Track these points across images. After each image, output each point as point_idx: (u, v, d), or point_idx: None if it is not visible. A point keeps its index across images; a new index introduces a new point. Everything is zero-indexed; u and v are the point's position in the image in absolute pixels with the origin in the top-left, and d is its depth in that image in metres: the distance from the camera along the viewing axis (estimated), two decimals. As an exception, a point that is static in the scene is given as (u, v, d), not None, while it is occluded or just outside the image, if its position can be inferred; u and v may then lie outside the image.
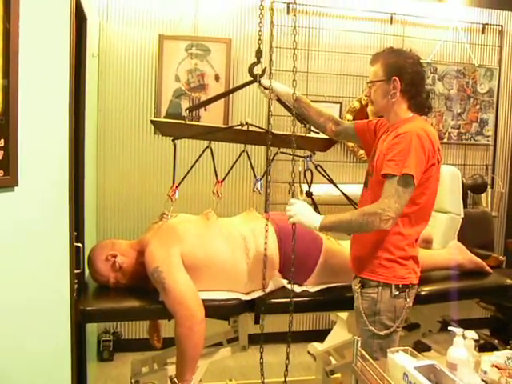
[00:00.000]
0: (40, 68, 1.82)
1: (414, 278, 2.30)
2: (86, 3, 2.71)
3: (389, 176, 2.13)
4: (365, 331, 2.30)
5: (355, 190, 2.92)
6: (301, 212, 2.29)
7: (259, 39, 2.51)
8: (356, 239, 2.39)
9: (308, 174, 2.84)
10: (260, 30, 2.49)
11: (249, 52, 2.65)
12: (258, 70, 2.64)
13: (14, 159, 1.62)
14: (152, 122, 3.00)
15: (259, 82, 2.62)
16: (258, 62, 2.67)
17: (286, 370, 2.46)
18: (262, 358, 2.43)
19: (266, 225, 2.46)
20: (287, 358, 2.46)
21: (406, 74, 2.25)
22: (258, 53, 2.64)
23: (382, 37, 4.27)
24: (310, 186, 2.94)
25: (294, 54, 2.39)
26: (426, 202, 2.26)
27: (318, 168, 2.84)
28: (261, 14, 2.54)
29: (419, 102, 2.30)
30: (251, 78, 2.67)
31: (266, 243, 2.47)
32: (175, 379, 2.40)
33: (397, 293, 2.25)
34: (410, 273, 2.27)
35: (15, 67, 1.59)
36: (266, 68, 2.61)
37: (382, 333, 2.26)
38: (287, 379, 2.54)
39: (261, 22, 2.50)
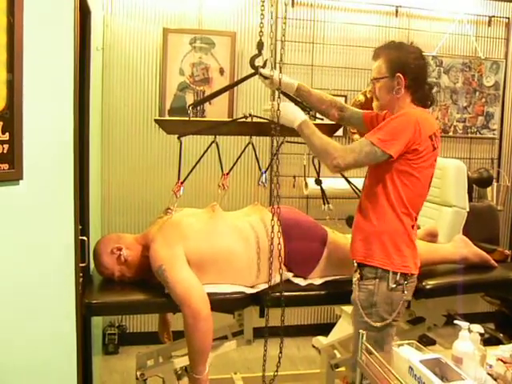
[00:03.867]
0: (45, 62, 1.82)
1: (413, 268, 2.29)
2: (90, -4, 2.71)
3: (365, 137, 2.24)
4: (360, 323, 2.30)
5: (360, 183, 2.92)
6: (283, 111, 2.36)
7: (260, 31, 2.51)
8: (356, 226, 2.40)
9: (316, 161, 2.86)
10: (261, 23, 2.48)
11: (253, 45, 2.64)
12: (259, 62, 2.64)
13: (19, 153, 1.61)
14: (156, 120, 2.99)
15: (259, 72, 2.61)
16: (260, 54, 2.66)
17: (279, 362, 2.48)
18: (265, 351, 2.44)
19: (272, 220, 2.46)
20: (280, 352, 2.47)
21: (409, 70, 2.27)
22: (260, 45, 2.64)
23: (387, 30, 4.25)
24: (318, 173, 2.94)
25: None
26: (416, 186, 2.26)
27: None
28: (262, 6, 2.52)
29: (422, 96, 2.33)
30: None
31: (273, 237, 2.47)
32: (190, 372, 2.45)
33: (394, 285, 2.25)
34: (408, 261, 2.27)
35: (20, 61, 1.59)
36: (267, 60, 2.60)
37: (378, 324, 2.27)
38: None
39: (262, 14, 2.49)
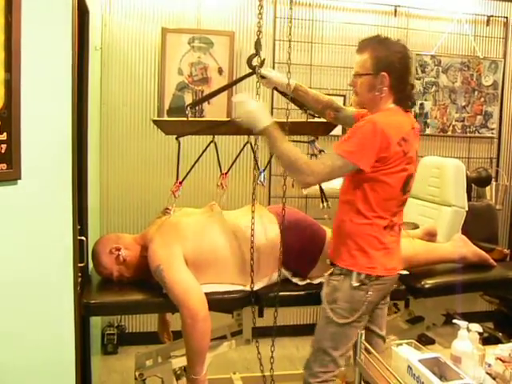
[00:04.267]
0: (43, 61, 1.81)
1: (381, 270, 2.23)
2: (88, -4, 2.71)
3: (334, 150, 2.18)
4: (323, 317, 2.31)
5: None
6: (251, 107, 2.26)
7: (258, 31, 2.50)
8: (334, 229, 2.39)
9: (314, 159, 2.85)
10: (259, 22, 2.48)
11: (252, 45, 2.64)
12: (256, 61, 2.64)
13: (17, 152, 1.61)
14: (154, 121, 2.98)
15: (257, 71, 2.61)
16: (257, 53, 2.66)
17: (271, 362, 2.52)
18: (258, 352, 2.45)
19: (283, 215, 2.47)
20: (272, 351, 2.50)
21: (394, 69, 2.22)
22: (257, 44, 2.64)
23: (385, 29, 4.24)
24: None
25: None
26: (386, 191, 2.20)
27: (322, 153, 2.85)
28: (260, 5, 2.52)
29: (405, 96, 2.29)
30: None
31: (281, 234, 2.47)
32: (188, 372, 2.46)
33: (357, 284, 2.21)
34: (375, 263, 2.22)
35: (17, 60, 1.58)
36: (264, 59, 2.60)
37: (339, 321, 2.24)
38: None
39: (260, 14, 2.49)
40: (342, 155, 2.13)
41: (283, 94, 2.68)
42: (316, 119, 2.78)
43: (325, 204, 2.89)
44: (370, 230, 2.23)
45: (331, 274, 2.31)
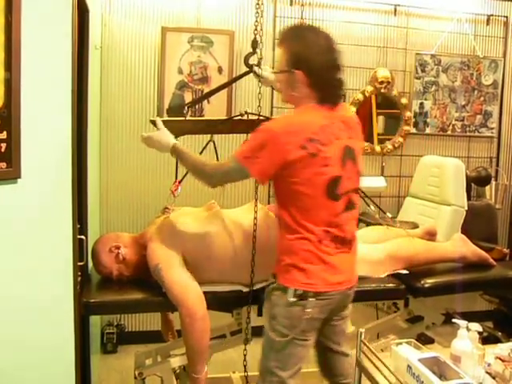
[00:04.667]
0: (43, 60, 1.81)
1: (322, 286, 2.04)
2: (88, -5, 2.71)
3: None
4: (265, 335, 2.15)
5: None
6: (154, 139, 2.41)
7: (255, 30, 2.50)
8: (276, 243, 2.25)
9: None
10: (257, 21, 2.48)
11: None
12: (254, 60, 2.65)
13: (17, 151, 1.61)
14: (152, 121, 2.97)
15: (253, 70, 2.61)
16: (254, 52, 2.66)
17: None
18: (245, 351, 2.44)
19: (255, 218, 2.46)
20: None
21: (311, 66, 2.01)
22: (254, 43, 2.64)
23: (385, 28, 4.25)
24: None
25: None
26: (306, 202, 2.04)
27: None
28: (257, 4, 2.52)
29: (328, 95, 2.07)
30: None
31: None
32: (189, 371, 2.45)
33: (293, 299, 2.03)
34: (313, 278, 2.03)
35: (17, 59, 1.59)
36: (261, 58, 2.60)
37: (278, 339, 2.07)
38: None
39: (257, 13, 2.49)
40: (237, 158, 2.07)
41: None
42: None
43: None
44: (303, 244, 2.04)
45: (271, 289, 2.15)
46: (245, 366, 2.59)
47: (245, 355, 2.59)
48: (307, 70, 2.02)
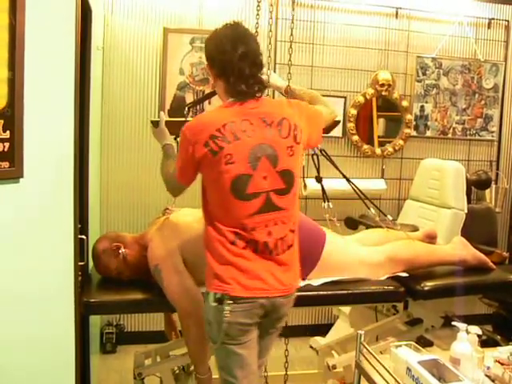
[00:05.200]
0: (46, 60, 1.82)
1: (236, 289, 1.96)
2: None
3: None
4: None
5: (358, 184, 2.94)
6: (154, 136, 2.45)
7: (256, 31, 2.51)
8: None
9: (315, 158, 2.86)
10: (257, 23, 2.48)
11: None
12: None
13: (20, 151, 1.62)
14: (152, 122, 2.97)
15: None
16: None
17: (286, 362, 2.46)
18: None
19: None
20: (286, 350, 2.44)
21: (214, 60, 2.04)
22: None
23: (387, 31, 4.26)
24: (318, 171, 2.94)
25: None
26: (214, 201, 2.02)
27: (323, 152, 2.87)
28: (258, 6, 2.53)
29: (236, 90, 2.02)
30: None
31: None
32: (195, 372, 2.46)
33: (214, 304, 1.98)
34: (227, 282, 1.96)
35: (21, 59, 1.59)
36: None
37: (212, 345, 2.06)
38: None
39: (258, 15, 2.49)
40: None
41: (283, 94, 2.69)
42: None
43: (326, 204, 2.90)
44: (217, 247, 1.99)
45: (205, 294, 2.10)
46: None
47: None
48: (215, 66, 2.04)
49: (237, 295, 1.95)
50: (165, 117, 2.51)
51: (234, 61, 1.98)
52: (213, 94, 2.87)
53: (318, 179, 2.98)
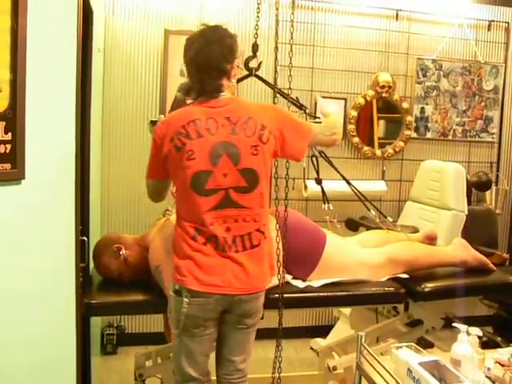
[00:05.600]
0: (47, 62, 1.82)
1: (192, 283, 2.03)
2: (92, -3, 2.72)
3: None
4: None
5: (359, 186, 2.95)
6: None
7: (255, 33, 2.52)
8: None
9: (315, 160, 2.88)
10: (257, 25, 2.49)
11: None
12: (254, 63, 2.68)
13: (21, 152, 1.62)
14: (151, 121, 2.97)
15: (255, 75, 2.63)
16: (254, 56, 2.68)
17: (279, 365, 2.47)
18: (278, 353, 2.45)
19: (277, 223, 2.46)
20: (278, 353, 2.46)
21: (187, 62, 2.15)
22: (254, 47, 2.66)
23: (387, 33, 4.26)
24: (318, 173, 2.95)
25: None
26: (179, 194, 2.11)
27: (322, 154, 2.88)
28: (258, 8, 2.54)
29: (201, 89, 2.13)
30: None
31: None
32: None
33: (173, 295, 2.08)
34: (184, 275, 2.04)
35: (23, 61, 1.59)
36: (261, 62, 2.62)
37: (172, 332, 2.15)
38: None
39: (257, 17, 2.50)
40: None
41: (283, 94, 2.70)
42: (317, 120, 2.78)
43: (326, 206, 2.91)
44: (179, 240, 2.09)
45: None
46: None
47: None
48: (186, 66, 2.15)
49: (192, 289, 2.03)
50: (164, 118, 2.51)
51: (198, 63, 2.10)
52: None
53: (318, 181, 2.99)
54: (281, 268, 2.41)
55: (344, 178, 2.95)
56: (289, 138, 2.17)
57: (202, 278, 2.03)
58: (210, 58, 2.08)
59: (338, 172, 2.92)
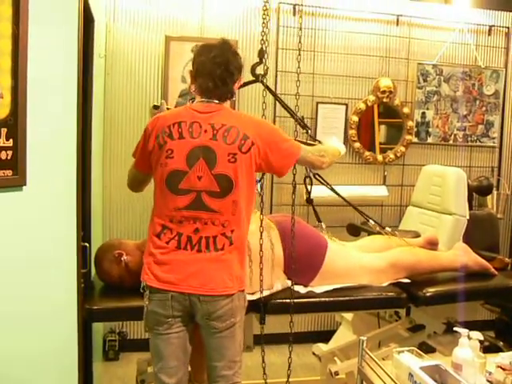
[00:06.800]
0: (48, 69, 1.83)
1: (152, 281, 2.08)
2: (93, 4, 2.73)
3: None
4: None
5: (360, 191, 2.96)
6: None
7: (262, 39, 2.53)
8: None
9: (308, 181, 2.89)
10: (263, 31, 2.50)
11: (255, 53, 2.68)
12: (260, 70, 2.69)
13: (23, 159, 1.63)
14: (155, 106, 2.98)
15: (261, 81, 2.64)
16: (261, 62, 2.69)
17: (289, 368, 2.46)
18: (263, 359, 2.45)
19: (261, 226, 2.47)
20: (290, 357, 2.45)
21: (194, 62, 2.24)
22: (261, 53, 2.67)
23: (388, 38, 4.27)
24: (309, 193, 2.97)
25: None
26: (156, 188, 2.16)
27: (317, 176, 2.90)
28: (264, 14, 2.54)
29: (201, 87, 2.21)
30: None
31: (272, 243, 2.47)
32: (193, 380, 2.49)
33: (142, 291, 2.14)
34: (147, 272, 2.11)
35: (24, 68, 1.60)
36: (268, 68, 2.63)
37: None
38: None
39: (264, 23, 2.51)
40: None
41: (285, 106, 2.71)
42: (312, 143, 2.76)
43: (319, 224, 2.93)
44: (149, 237, 2.15)
45: None
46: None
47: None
48: (193, 67, 2.23)
49: (151, 285, 2.09)
50: (165, 106, 2.60)
51: (206, 62, 2.16)
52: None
53: (309, 200, 3.02)
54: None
55: (342, 197, 2.98)
56: (275, 154, 2.18)
57: (159, 274, 2.08)
58: (229, 62, 2.18)
59: (335, 191, 2.93)
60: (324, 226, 2.93)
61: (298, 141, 2.40)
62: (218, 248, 2.09)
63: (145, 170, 2.25)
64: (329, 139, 2.55)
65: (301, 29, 2.60)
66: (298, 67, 2.55)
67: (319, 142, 2.77)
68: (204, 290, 2.07)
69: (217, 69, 2.15)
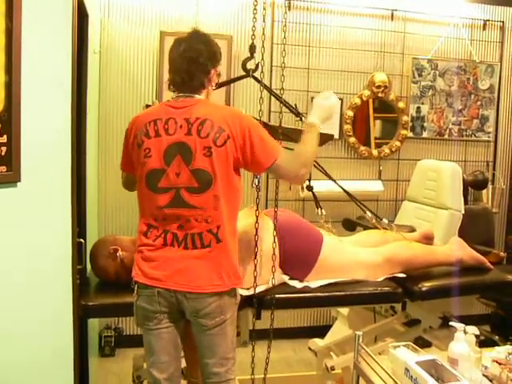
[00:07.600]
0: (43, 64, 1.83)
1: (139, 277, 2.09)
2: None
3: None
4: None
5: (356, 186, 2.96)
6: None
7: (253, 34, 2.52)
8: None
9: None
10: (254, 26, 2.49)
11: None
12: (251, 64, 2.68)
13: (17, 155, 1.63)
14: (147, 106, 2.98)
15: (252, 75, 2.63)
16: (252, 57, 2.69)
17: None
18: (253, 352, 2.45)
19: (257, 222, 2.46)
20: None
21: (171, 55, 2.20)
22: (252, 48, 2.66)
23: (382, 33, 4.27)
24: (309, 180, 2.96)
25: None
26: (138, 187, 2.14)
27: (315, 164, 2.87)
28: (254, 9, 2.53)
29: (172, 82, 2.20)
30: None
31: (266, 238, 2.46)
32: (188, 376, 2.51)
33: (132, 287, 2.14)
34: (135, 269, 2.12)
35: (18, 64, 1.60)
36: (259, 63, 2.62)
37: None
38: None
39: (254, 18, 2.50)
40: None
41: (279, 98, 2.70)
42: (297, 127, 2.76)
43: (319, 211, 2.91)
44: (138, 237, 2.15)
45: None
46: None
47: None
48: (171, 62, 2.19)
49: (139, 281, 2.10)
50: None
51: (176, 57, 2.15)
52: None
53: (309, 188, 3.01)
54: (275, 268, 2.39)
55: (344, 189, 2.95)
56: (252, 149, 2.09)
57: (147, 271, 2.08)
58: (199, 53, 2.12)
59: (330, 177, 2.92)
60: (324, 213, 2.92)
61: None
62: (204, 245, 2.07)
63: (130, 170, 2.22)
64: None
65: (285, 23, 2.57)
66: (283, 62, 2.52)
67: (303, 115, 2.76)
68: (190, 287, 2.05)
69: (184, 63, 2.12)
